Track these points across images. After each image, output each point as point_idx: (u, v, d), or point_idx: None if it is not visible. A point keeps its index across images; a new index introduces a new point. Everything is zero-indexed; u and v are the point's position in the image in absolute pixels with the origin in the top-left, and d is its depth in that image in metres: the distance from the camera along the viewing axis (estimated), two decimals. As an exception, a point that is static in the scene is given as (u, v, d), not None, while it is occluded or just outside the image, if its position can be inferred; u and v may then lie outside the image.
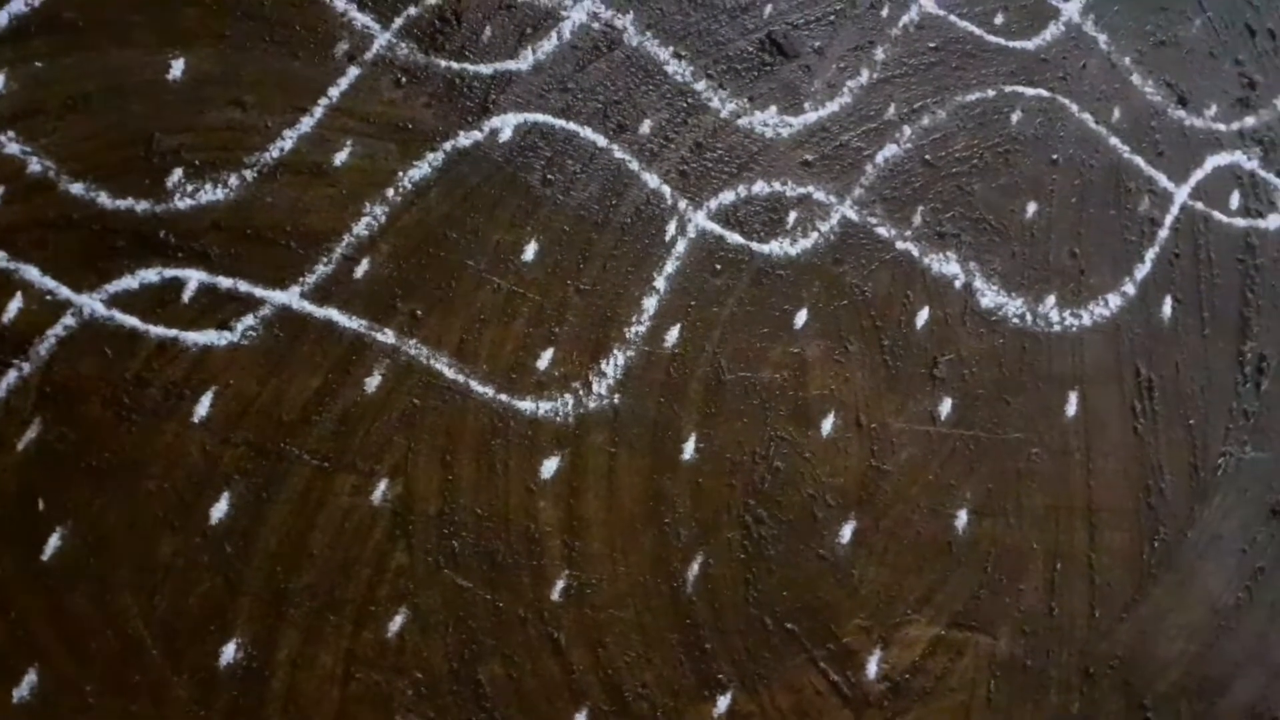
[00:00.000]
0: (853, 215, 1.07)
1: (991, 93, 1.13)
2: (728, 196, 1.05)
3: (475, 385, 0.92)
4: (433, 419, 0.91)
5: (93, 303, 0.87)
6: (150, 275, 0.89)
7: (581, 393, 0.95)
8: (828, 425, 0.98)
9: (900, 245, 1.06)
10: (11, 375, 0.84)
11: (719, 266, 1.02)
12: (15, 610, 0.80)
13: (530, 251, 0.97)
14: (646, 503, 0.93)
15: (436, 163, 0.98)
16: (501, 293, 0.96)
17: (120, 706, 0.78)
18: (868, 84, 1.12)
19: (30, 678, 0.78)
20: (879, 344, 1.03)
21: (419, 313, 0.93)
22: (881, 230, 1.07)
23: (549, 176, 1.00)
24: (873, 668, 0.91)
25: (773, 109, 1.08)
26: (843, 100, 1.11)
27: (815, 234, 1.05)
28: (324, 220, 0.94)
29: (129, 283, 0.89)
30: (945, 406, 1.01)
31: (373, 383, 0.90)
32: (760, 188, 1.06)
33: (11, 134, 0.90)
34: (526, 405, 0.93)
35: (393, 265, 0.94)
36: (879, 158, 1.10)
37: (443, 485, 0.89)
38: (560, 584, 0.88)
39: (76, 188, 0.90)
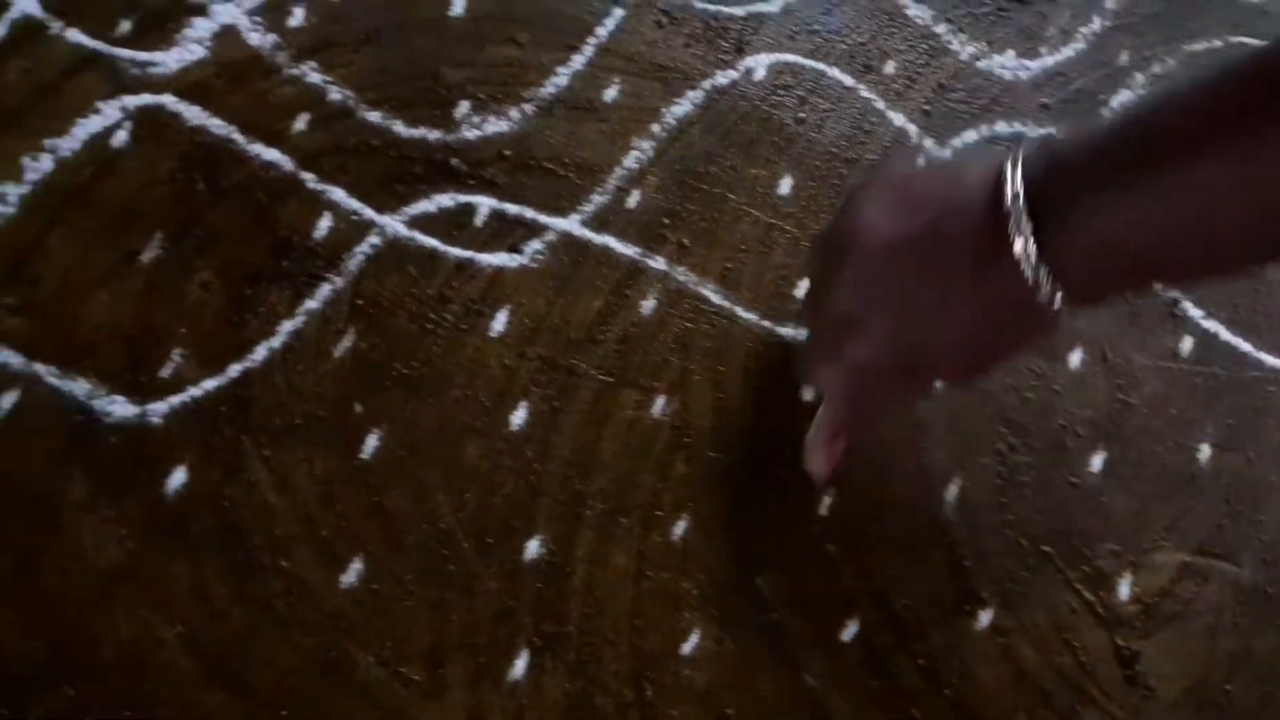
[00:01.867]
0: None
1: (1218, 42, 1.19)
2: (970, 135, 1.13)
3: (740, 311, 1.02)
4: (703, 341, 1.00)
5: (395, 224, 0.98)
6: (445, 200, 1.00)
7: (840, 321, 1.03)
8: (1075, 359, 1.06)
9: (1138, 187, 1.14)
10: (325, 288, 0.95)
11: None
12: (340, 504, 0.90)
13: (785, 186, 1.07)
14: (904, 429, 1.01)
15: (697, 100, 1.08)
16: (760, 225, 1.05)
17: (436, 595, 0.88)
18: (1100, 31, 1.19)
19: (356, 565, 0.88)
20: (1120, 283, 1.10)
21: (685, 242, 1.03)
22: None
23: (801, 115, 1.09)
24: (1124, 590, 0.98)
25: (1010, 53, 1.16)
26: (1077, 46, 1.19)
27: (1055, 175, 1.12)
28: (597, 153, 1.04)
29: (426, 206, 0.99)
30: (1186, 345, 1.08)
31: (648, 306, 1.00)
32: (1002, 128, 1.14)
33: (313, 64, 1.01)
34: (788, 331, 1.02)
35: (660, 197, 1.04)
36: (1114, 102, 1.17)
37: (715, 403, 0.98)
38: (827, 500, 0.96)
39: (373, 116, 1.01)
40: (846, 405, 0.89)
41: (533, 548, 0.94)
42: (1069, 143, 0.71)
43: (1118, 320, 1.11)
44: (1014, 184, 0.69)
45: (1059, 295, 0.69)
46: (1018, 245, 0.68)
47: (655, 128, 1.09)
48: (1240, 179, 0.61)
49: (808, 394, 1.02)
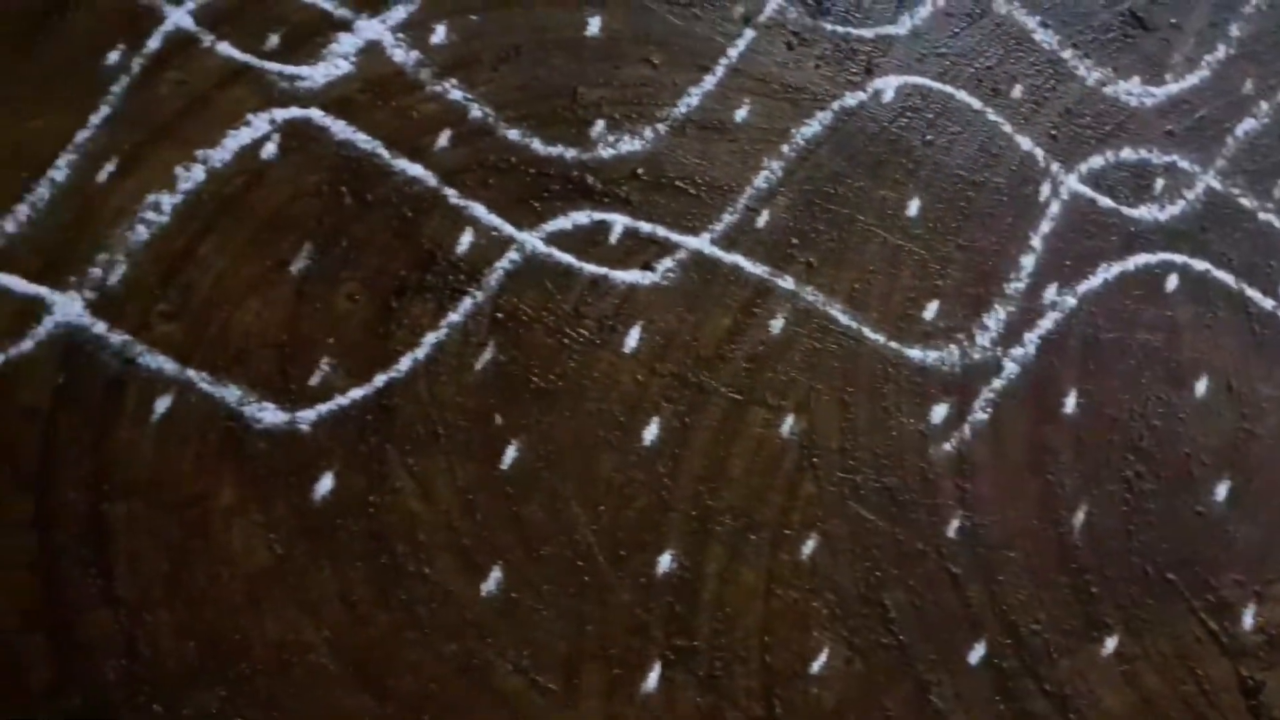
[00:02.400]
0: (1216, 185, 1.14)
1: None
2: (1097, 161, 1.13)
3: (868, 332, 1.02)
4: (830, 361, 1.01)
5: (533, 240, 1.00)
6: (581, 217, 1.01)
7: (966, 344, 1.04)
8: (1200, 387, 1.05)
9: (1262, 216, 1.13)
10: (468, 302, 0.97)
11: (1092, 229, 1.10)
12: (480, 513, 0.92)
13: (913, 208, 1.07)
14: (1031, 452, 1.01)
15: (826, 121, 1.09)
16: (888, 246, 1.06)
17: (572, 606, 0.90)
18: (1225, 59, 1.19)
19: (496, 574, 0.90)
20: (1245, 311, 1.10)
21: (813, 262, 1.04)
22: (1244, 200, 1.14)
23: (929, 137, 1.10)
24: (1248, 620, 0.98)
25: (1136, 79, 1.16)
26: (1201, 74, 1.18)
27: (1182, 201, 1.13)
28: (727, 173, 1.05)
29: (563, 223, 1.01)
30: (1312, 375, 1.08)
31: (776, 325, 1.01)
32: (1127, 154, 1.13)
33: (454, 81, 1.03)
34: (915, 353, 1.03)
35: (789, 217, 1.05)
36: (1238, 130, 1.17)
37: (842, 423, 0.99)
38: (955, 523, 0.97)
39: (513, 133, 1.03)
40: None
41: (664, 562, 0.96)
42: None
43: (1243, 350, 1.10)
44: None
45: None
46: None
47: (785, 148, 1.10)
48: None
49: (937, 413, 1.02)
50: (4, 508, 0.88)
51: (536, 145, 1.06)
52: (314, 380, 0.95)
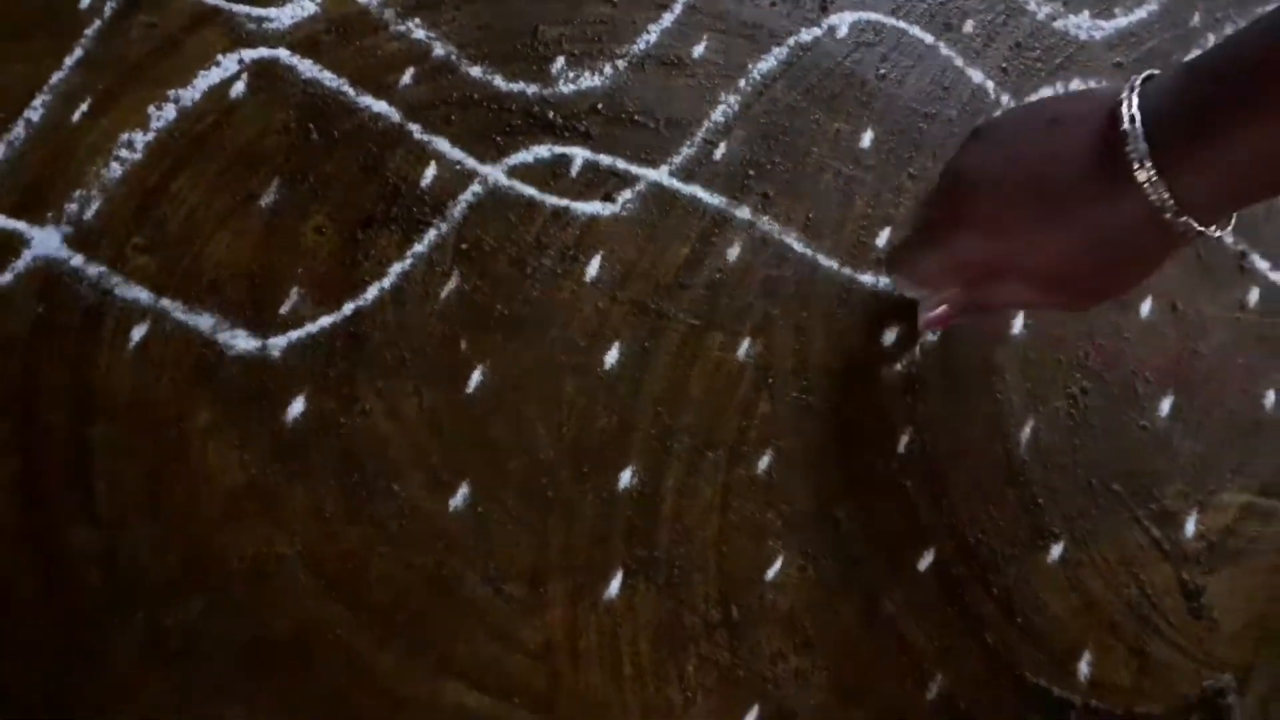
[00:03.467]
0: None
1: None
2: (1046, 92, 1.16)
3: (822, 259, 1.06)
4: (786, 288, 1.05)
5: (496, 173, 1.03)
6: (542, 151, 1.05)
7: (917, 269, 1.07)
8: (1145, 309, 1.09)
9: (1209, 144, 1.16)
10: (432, 233, 1.01)
11: (1039, 159, 1.13)
12: (447, 433, 0.96)
13: (867, 140, 1.11)
14: (979, 373, 1.05)
15: (781, 56, 1.12)
16: (842, 177, 1.09)
17: (538, 518, 0.94)
18: (1173, -9, 1.21)
19: (463, 490, 0.94)
20: (1189, 236, 1.13)
21: (769, 193, 1.08)
22: None
23: (882, 71, 1.13)
24: (1190, 528, 1.02)
25: (1085, 13, 1.19)
26: (1150, 7, 1.22)
27: (1128, 131, 1.16)
28: (685, 108, 1.09)
29: (525, 157, 1.05)
30: (1254, 296, 1.11)
31: (733, 253, 1.05)
32: (1076, 85, 1.17)
33: (417, 20, 1.06)
34: (868, 279, 1.06)
35: (746, 149, 1.08)
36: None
37: (797, 346, 1.03)
38: (905, 439, 1.01)
39: (475, 71, 1.06)
40: (941, 289, 0.92)
41: (625, 478, 1.00)
42: (1170, 79, 0.75)
43: (1188, 272, 1.14)
44: (1129, 112, 0.73)
45: (1182, 217, 0.73)
46: (1140, 173, 0.72)
47: (741, 83, 1.13)
48: None
49: (889, 336, 1.06)
50: (-12, 431, 0.92)
51: (498, 82, 1.09)
52: (284, 309, 0.98)
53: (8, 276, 0.95)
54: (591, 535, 0.96)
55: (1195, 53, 1.14)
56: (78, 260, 0.96)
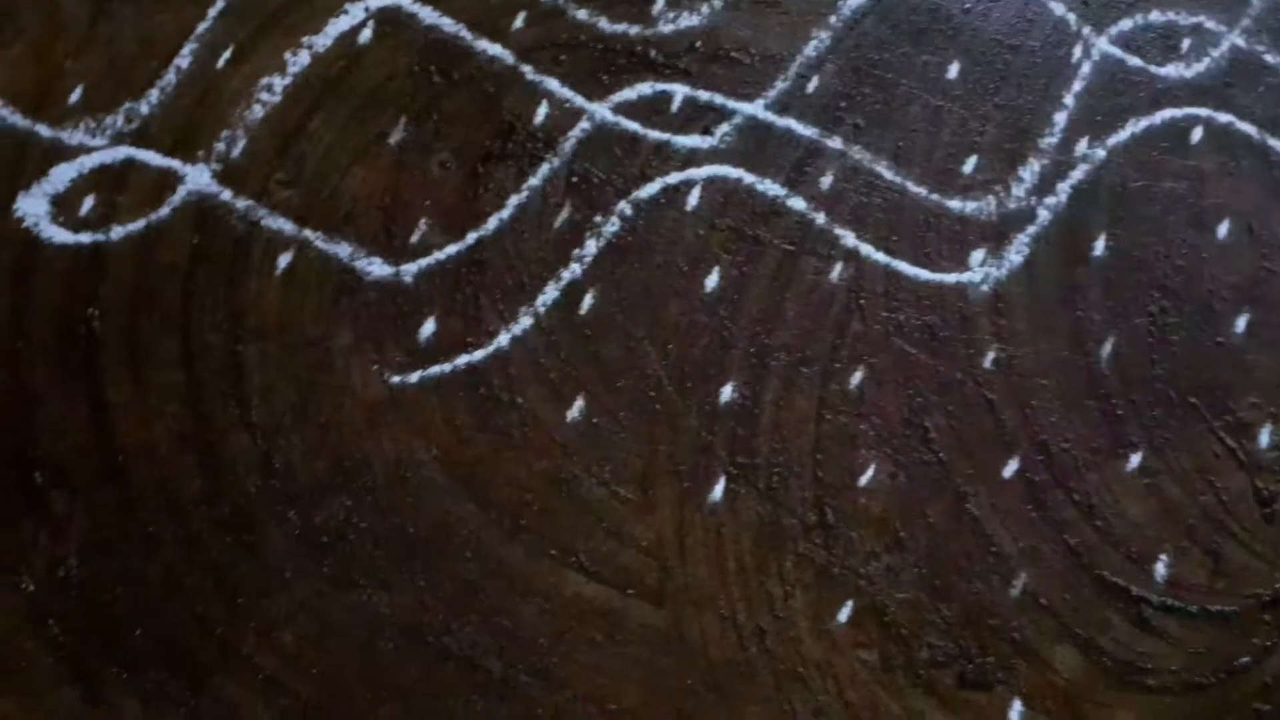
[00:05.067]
0: (1241, 43, 1.21)
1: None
2: (1126, 24, 1.20)
3: (911, 186, 1.11)
4: (876, 213, 1.10)
5: (602, 110, 1.10)
6: (645, 88, 1.11)
7: (1002, 194, 1.13)
8: (1222, 230, 1.13)
9: (1287, 71, 1.19)
10: (545, 167, 1.08)
11: (1121, 87, 1.17)
12: (563, 351, 1.04)
13: (953, 71, 1.16)
14: (1062, 291, 1.10)
15: (871, -7, 1.16)
16: (930, 107, 1.14)
17: (646, 429, 1.02)
18: (1255, -80, 1.24)
19: (579, 403, 1.02)
20: (1267, 160, 1.17)
21: (860, 123, 1.13)
22: (1268, 57, 1.21)
23: (967, 5, 1.18)
24: (1265, 438, 1.07)
25: (1167, -56, 1.22)
26: (1232, -65, 1.23)
27: (1207, 59, 1.20)
28: (779, 43, 1.14)
29: (629, 94, 1.11)
30: (1332, 217, 1.15)
31: (826, 182, 1.11)
32: (1155, 16, 1.20)
33: (528, -31, 1.12)
34: (955, 204, 1.12)
35: (837, 82, 1.14)
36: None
37: (887, 269, 1.09)
38: (991, 355, 1.07)
39: (581, 14, 1.13)
40: None
41: (726, 392, 1.07)
42: None
43: (1264, 195, 1.18)
44: None
45: None
46: None
47: (832, 19, 1.18)
48: None
49: (975, 258, 1.12)
50: (157, 350, 1.02)
51: (603, 24, 1.16)
52: (414, 238, 1.07)
53: (165, 210, 1.05)
54: (696, 444, 1.04)
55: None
56: (227, 194, 1.06)
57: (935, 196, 1.12)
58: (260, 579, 0.96)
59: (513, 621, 0.97)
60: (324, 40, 1.08)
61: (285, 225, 1.03)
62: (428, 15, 1.10)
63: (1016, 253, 1.10)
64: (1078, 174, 1.15)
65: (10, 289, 1.00)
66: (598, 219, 1.07)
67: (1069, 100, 1.16)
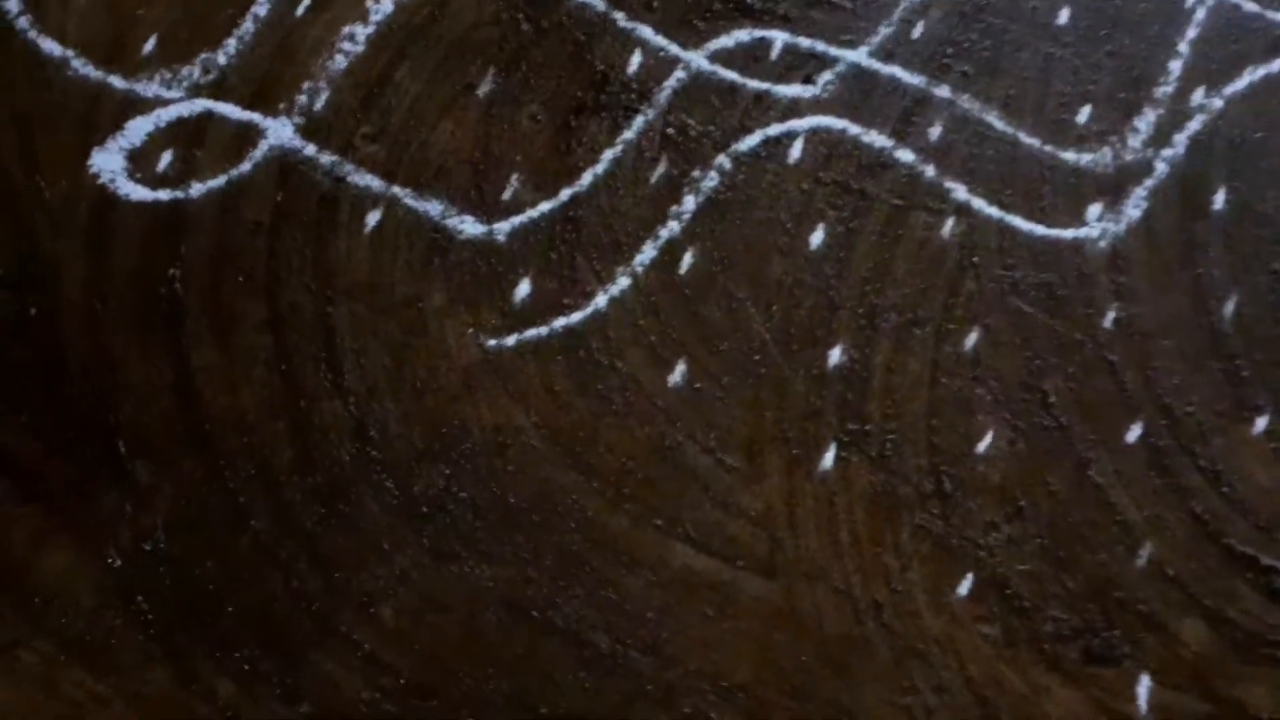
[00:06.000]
0: None
1: None
2: None
3: (1023, 136, 1.04)
4: (987, 166, 1.03)
5: (698, 59, 1.03)
6: (742, 35, 1.04)
7: (1118, 146, 1.06)
8: (1350, 184, 1.06)
9: None
10: (640, 119, 1.01)
11: (1237, 34, 1.10)
12: (663, 313, 0.97)
13: (1063, 17, 1.08)
14: (1182, 247, 1.03)
15: (978, -65, 1.09)
16: (1040, 54, 1.07)
17: (751, 395, 0.96)
18: None
19: (680, 367, 0.96)
20: (1394, 108, 1.10)
21: (969, 71, 1.06)
22: None
23: None
24: (1397, 404, 1.00)
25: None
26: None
27: (1329, 2, 1.12)
28: (883, -13, 1.06)
29: (726, 41, 1.04)
30: None
31: (934, 133, 1.04)
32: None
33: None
34: (1070, 155, 1.05)
35: (944, 28, 1.07)
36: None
37: (1000, 224, 1.02)
38: (1111, 314, 1.00)
39: (674, -43, 1.05)
40: None
41: (835, 355, 1.01)
42: None
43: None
44: None
45: None
46: None
47: (937, -38, 1.11)
48: None
49: (1092, 212, 1.05)
50: (242, 312, 0.96)
51: (697, -33, 1.08)
52: (506, 195, 1.00)
53: (247, 165, 0.98)
54: (804, 409, 0.98)
55: None
56: (310, 149, 0.99)
57: (1049, 148, 1.05)
58: (357, 551, 0.90)
59: (619, 594, 0.92)
60: (406, -14, 1.01)
61: (373, 182, 0.96)
62: (515, -41, 1.02)
63: (1134, 207, 1.04)
64: (1194, 124, 1.07)
65: (87, 249, 0.94)
66: (696, 173, 1.00)
67: (1183, 47, 1.08)
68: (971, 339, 1.00)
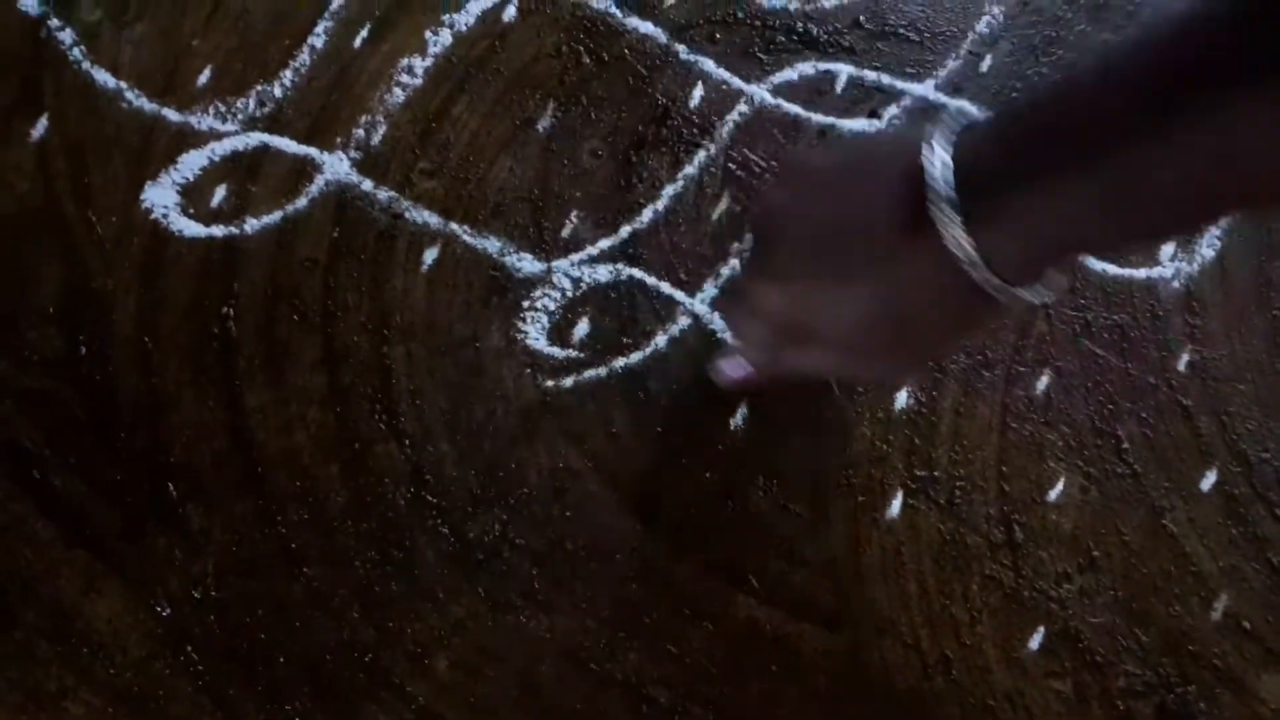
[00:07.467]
0: None
1: None
2: None
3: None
4: (1056, 204, 0.98)
5: (761, 91, 0.98)
6: (806, 68, 0.99)
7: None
8: None
9: None
10: (701, 154, 0.97)
11: None
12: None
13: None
14: (1258, 288, 0.98)
15: (1046, -34, 1.04)
16: (1111, 89, 1.01)
17: (816, 439, 0.91)
18: None
19: (742, 410, 0.91)
20: None
21: (1036, 106, 1.00)
22: None
23: None
24: None
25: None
26: None
27: None
28: (949, 19, 1.02)
29: (789, 74, 0.99)
30: None
31: (1002, 169, 0.98)
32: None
33: (679, -57, 1.00)
34: (1140, 194, 0.99)
35: (1012, 61, 1.02)
36: None
37: (1073, 263, 0.96)
38: (1185, 357, 0.94)
39: (739, -11, 1.00)
40: (751, 348, 0.84)
41: (901, 398, 0.96)
42: (986, 127, 0.62)
43: None
44: (934, 170, 0.59)
45: (990, 274, 0.60)
46: (948, 235, 0.58)
47: (1005, -7, 1.06)
48: (1166, 156, 0.52)
49: (1165, 252, 1.00)
50: (297, 351, 0.92)
51: (762, -1, 1.04)
52: (565, 232, 0.96)
53: (303, 201, 0.94)
54: (870, 455, 0.93)
55: None
56: (367, 185, 0.95)
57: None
58: (411, 600, 0.86)
59: (680, 647, 0.87)
60: (466, 18, 0.97)
61: (431, 218, 0.92)
62: (575, -10, 0.98)
63: (1208, 246, 0.98)
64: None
65: (139, 285, 0.90)
66: (752, 209, 0.95)
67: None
68: (1043, 382, 0.95)
